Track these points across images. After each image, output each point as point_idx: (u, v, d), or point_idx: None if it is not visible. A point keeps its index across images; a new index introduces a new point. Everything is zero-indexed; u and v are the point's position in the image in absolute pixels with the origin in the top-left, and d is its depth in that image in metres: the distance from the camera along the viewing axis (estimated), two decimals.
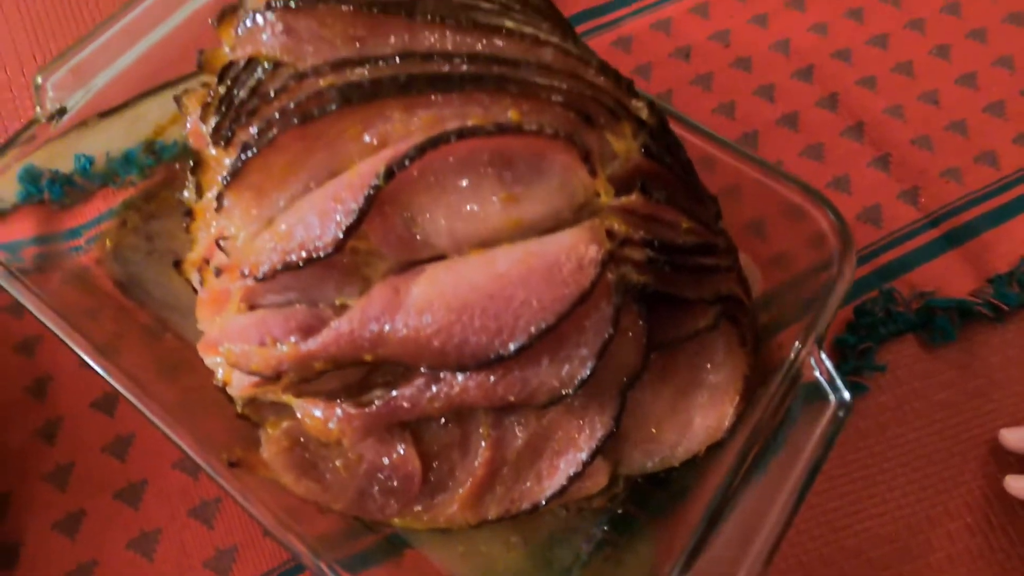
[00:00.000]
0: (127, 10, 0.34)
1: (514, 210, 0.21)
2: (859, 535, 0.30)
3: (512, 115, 0.21)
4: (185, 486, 0.31)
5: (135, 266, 0.35)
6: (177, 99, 0.28)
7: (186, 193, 0.29)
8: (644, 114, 0.24)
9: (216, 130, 0.24)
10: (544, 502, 0.26)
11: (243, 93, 0.22)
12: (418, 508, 0.27)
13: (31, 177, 0.36)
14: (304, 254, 0.21)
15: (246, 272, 0.22)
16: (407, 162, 0.19)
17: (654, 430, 0.27)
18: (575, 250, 0.20)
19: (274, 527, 0.26)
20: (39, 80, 0.33)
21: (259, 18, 0.21)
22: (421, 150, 0.19)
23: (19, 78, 0.42)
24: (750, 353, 0.26)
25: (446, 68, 0.20)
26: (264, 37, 0.21)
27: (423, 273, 0.21)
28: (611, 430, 0.25)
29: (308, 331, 0.22)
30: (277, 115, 0.21)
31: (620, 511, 0.29)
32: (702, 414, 0.27)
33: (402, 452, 0.25)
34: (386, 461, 0.26)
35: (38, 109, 0.33)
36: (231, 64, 0.23)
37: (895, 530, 0.30)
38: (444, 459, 0.26)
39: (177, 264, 0.27)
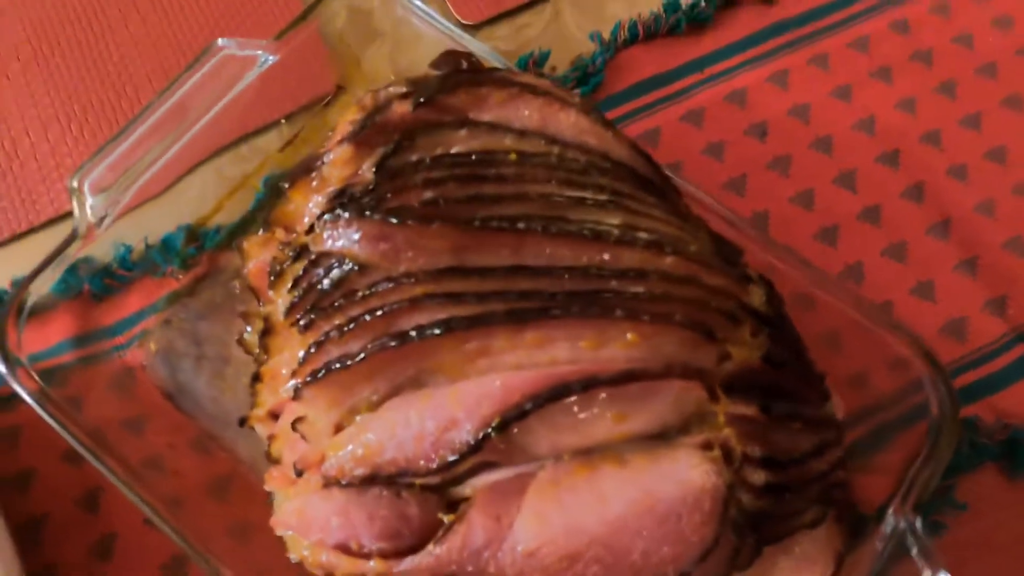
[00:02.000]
0: (163, 99, 0.31)
1: (622, 426, 0.20)
2: None
3: (630, 337, 0.19)
4: None
5: (184, 373, 0.33)
6: (237, 245, 0.25)
7: (247, 334, 0.27)
8: (759, 300, 0.22)
9: (291, 309, 0.22)
10: None
11: (326, 283, 0.20)
12: None
13: (71, 269, 0.33)
14: (394, 471, 0.20)
15: (330, 476, 0.21)
16: (523, 416, 0.17)
17: None
18: (696, 493, 0.18)
19: None
20: (75, 184, 0.30)
21: (350, 226, 0.18)
22: (539, 403, 0.17)
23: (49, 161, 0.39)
24: (845, 530, 0.25)
25: (558, 285, 0.18)
26: (350, 242, 0.19)
27: (526, 500, 0.20)
28: None
29: (396, 537, 0.21)
30: (367, 317, 0.19)
31: None
32: None
33: None
34: None
35: (77, 214, 0.31)
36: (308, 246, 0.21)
37: None
38: None
39: (243, 421, 0.26)
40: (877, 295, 0.37)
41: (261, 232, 0.25)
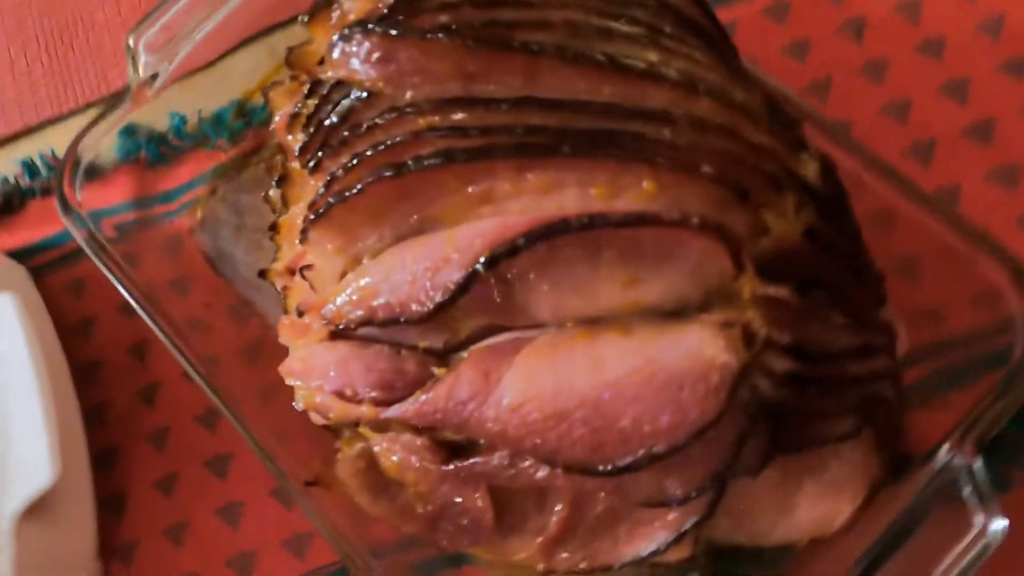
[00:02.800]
0: None
1: (632, 292, 0.18)
2: None
3: (647, 186, 0.17)
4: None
5: (224, 241, 0.34)
6: (264, 93, 0.25)
7: (272, 192, 0.27)
8: (812, 174, 0.19)
9: (303, 150, 0.21)
10: (618, 567, 0.25)
11: (334, 118, 0.19)
12: (488, 545, 0.26)
13: (129, 133, 0.35)
14: (388, 315, 0.19)
15: (327, 319, 0.21)
16: (514, 252, 0.16)
17: (749, 505, 0.25)
18: (703, 366, 0.17)
19: (337, 538, 0.26)
20: (130, 42, 0.31)
21: (354, 41, 0.17)
22: (532, 239, 0.16)
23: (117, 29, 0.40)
24: (885, 458, 0.22)
25: (572, 122, 0.16)
26: (357, 63, 0.18)
27: (518, 358, 0.18)
28: (704, 516, 0.23)
29: (389, 388, 0.21)
30: (369, 152, 0.19)
31: (698, 574, 0.28)
32: (810, 503, 0.24)
33: (476, 498, 0.24)
34: (459, 500, 0.25)
35: (131, 72, 0.32)
36: (321, 80, 0.20)
37: None
38: (518, 505, 0.25)
39: (263, 273, 0.26)
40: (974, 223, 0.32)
41: (288, 82, 0.25)
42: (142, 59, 0.31)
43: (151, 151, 0.36)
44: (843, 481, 0.23)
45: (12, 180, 0.38)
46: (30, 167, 0.38)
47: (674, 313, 0.18)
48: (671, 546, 0.23)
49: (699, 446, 0.17)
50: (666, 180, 0.17)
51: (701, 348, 0.17)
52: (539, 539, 0.25)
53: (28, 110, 0.40)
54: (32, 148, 0.39)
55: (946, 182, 0.31)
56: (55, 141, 0.39)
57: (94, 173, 0.33)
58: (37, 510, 0.27)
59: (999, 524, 0.21)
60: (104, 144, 0.33)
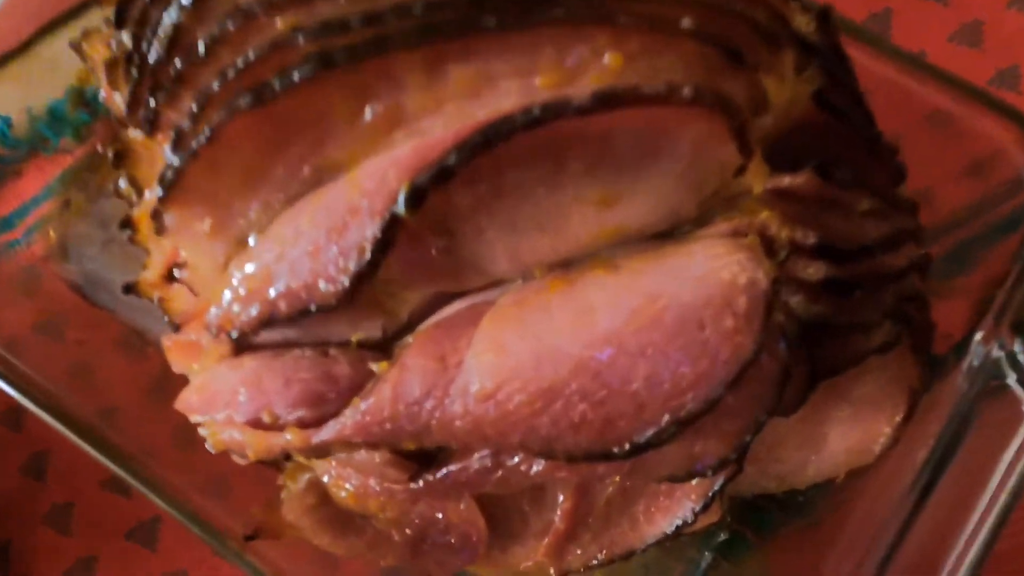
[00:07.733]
0: None
1: (610, 215, 0.13)
2: None
3: (610, 60, 0.12)
4: None
5: (92, 262, 0.28)
6: (76, 46, 0.19)
7: (122, 184, 0.21)
8: (806, 25, 0.15)
9: (132, 105, 0.15)
10: (641, 550, 0.21)
11: (158, 47, 0.14)
12: (485, 560, 0.22)
13: None
14: (292, 305, 0.14)
15: (214, 327, 0.15)
16: (444, 176, 0.11)
17: (773, 445, 0.21)
18: (724, 290, 0.12)
19: None
20: None
21: None
22: (465, 153, 0.11)
23: None
24: (922, 362, 0.19)
25: None
26: None
27: (478, 331, 0.14)
28: (734, 473, 0.19)
29: (318, 402, 0.16)
30: (216, 85, 0.13)
31: (725, 535, 0.25)
32: (843, 430, 0.21)
33: (460, 511, 0.20)
34: (440, 516, 0.20)
35: None
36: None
37: None
38: (513, 507, 0.21)
39: (129, 287, 0.20)
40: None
41: (105, 28, 0.18)
42: None
43: None
44: (877, 398, 0.20)
45: None
46: None
47: (666, 235, 0.14)
48: (699, 516, 0.20)
49: (733, 394, 0.13)
50: (634, 46, 0.12)
51: (716, 269, 0.13)
52: (545, 540, 0.21)
53: None
54: None
55: (911, 49, 0.29)
56: None
57: None
58: None
59: None
60: None
